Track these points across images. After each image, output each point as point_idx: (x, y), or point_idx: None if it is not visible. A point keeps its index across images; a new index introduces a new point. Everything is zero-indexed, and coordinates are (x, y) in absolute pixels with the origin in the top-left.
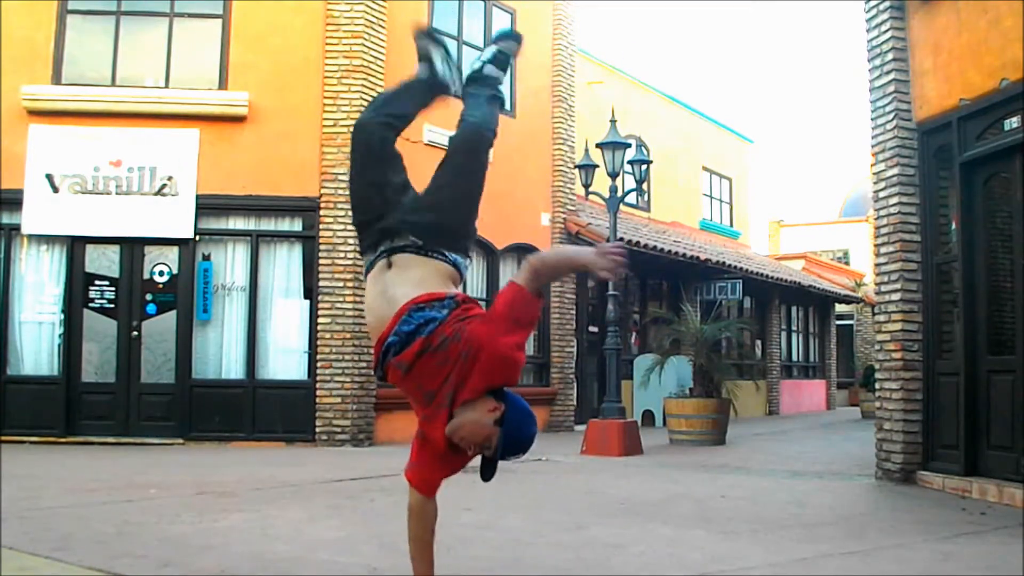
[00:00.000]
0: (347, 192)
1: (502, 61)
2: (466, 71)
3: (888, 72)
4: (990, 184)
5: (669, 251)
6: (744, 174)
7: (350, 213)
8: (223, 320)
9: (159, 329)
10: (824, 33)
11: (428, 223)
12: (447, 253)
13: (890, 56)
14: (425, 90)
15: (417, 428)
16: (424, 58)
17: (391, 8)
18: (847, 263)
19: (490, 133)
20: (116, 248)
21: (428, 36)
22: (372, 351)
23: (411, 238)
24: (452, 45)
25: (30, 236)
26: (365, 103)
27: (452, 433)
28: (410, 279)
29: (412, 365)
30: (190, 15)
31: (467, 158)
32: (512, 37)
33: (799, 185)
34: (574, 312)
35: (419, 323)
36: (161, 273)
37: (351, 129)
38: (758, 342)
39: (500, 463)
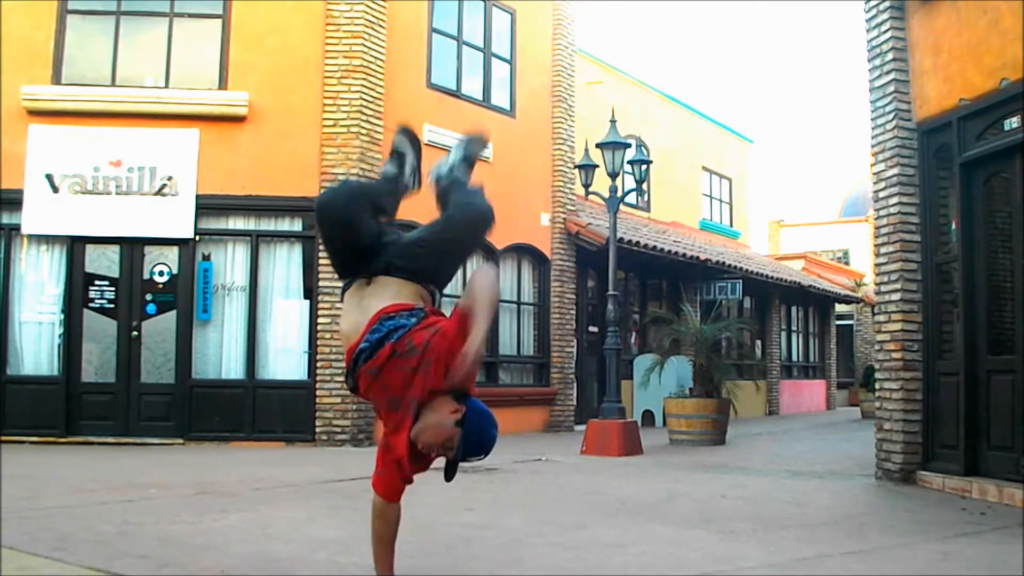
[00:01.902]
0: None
1: (469, 162)
2: (437, 171)
3: (888, 72)
4: (990, 184)
5: (669, 251)
6: (744, 174)
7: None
8: (223, 320)
9: (159, 329)
10: (824, 33)
11: (415, 269)
12: (427, 285)
13: (890, 56)
14: (388, 185)
15: (381, 438)
16: (397, 154)
17: (391, 8)
18: (847, 263)
19: (492, 221)
20: (116, 248)
21: (408, 137)
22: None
23: (396, 273)
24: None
25: (30, 236)
26: (365, 103)
27: (416, 437)
28: (387, 294)
29: (381, 369)
30: (190, 15)
31: (469, 237)
32: (478, 142)
33: (799, 185)
34: (574, 312)
35: (389, 329)
36: (161, 273)
37: (318, 208)
38: (758, 342)
39: (476, 463)
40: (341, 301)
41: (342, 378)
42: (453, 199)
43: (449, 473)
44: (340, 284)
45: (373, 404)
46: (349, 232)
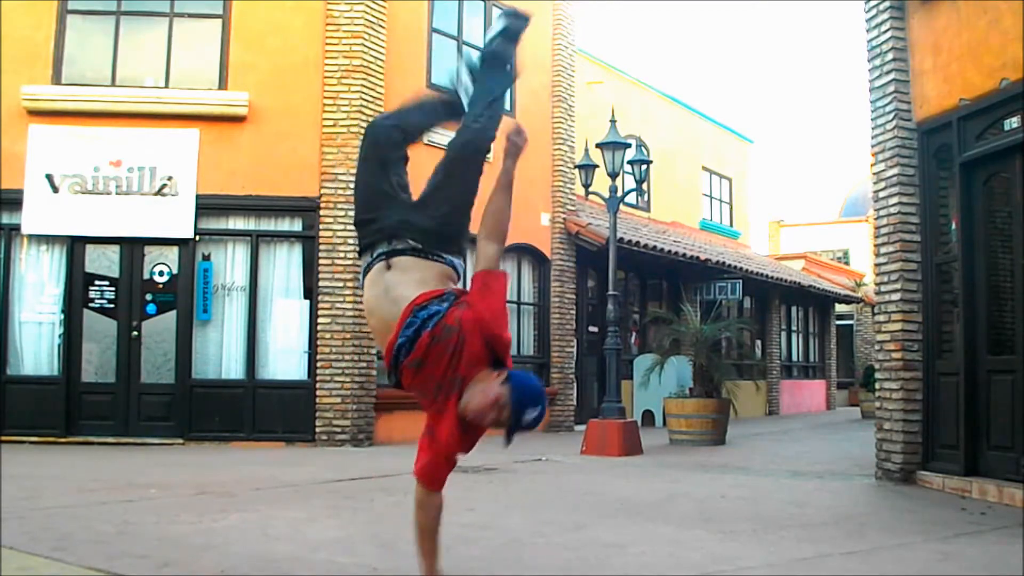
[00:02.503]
0: (347, 192)
1: (510, 37)
2: (467, 59)
3: (888, 72)
4: (990, 184)
5: (669, 251)
6: (744, 174)
7: (351, 213)
8: (223, 320)
9: (159, 329)
10: (824, 33)
11: (425, 227)
12: (444, 256)
13: (890, 56)
14: (442, 108)
15: (425, 426)
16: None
17: (391, 8)
18: (847, 263)
19: (488, 141)
20: (116, 248)
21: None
22: (374, 351)
23: (409, 241)
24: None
25: (30, 236)
26: (365, 103)
27: (465, 407)
28: (411, 280)
29: (424, 359)
30: (190, 15)
31: (465, 166)
32: (518, 15)
33: (799, 185)
34: (574, 312)
35: (423, 319)
36: (161, 273)
37: (364, 128)
38: (758, 342)
39: (532, 416)
40: (361, 287)
41: (342, 378)
42: (464, 118)
43: (508, 438)
44: (340, 284)
45: (418, 397)
46: (384, 157)
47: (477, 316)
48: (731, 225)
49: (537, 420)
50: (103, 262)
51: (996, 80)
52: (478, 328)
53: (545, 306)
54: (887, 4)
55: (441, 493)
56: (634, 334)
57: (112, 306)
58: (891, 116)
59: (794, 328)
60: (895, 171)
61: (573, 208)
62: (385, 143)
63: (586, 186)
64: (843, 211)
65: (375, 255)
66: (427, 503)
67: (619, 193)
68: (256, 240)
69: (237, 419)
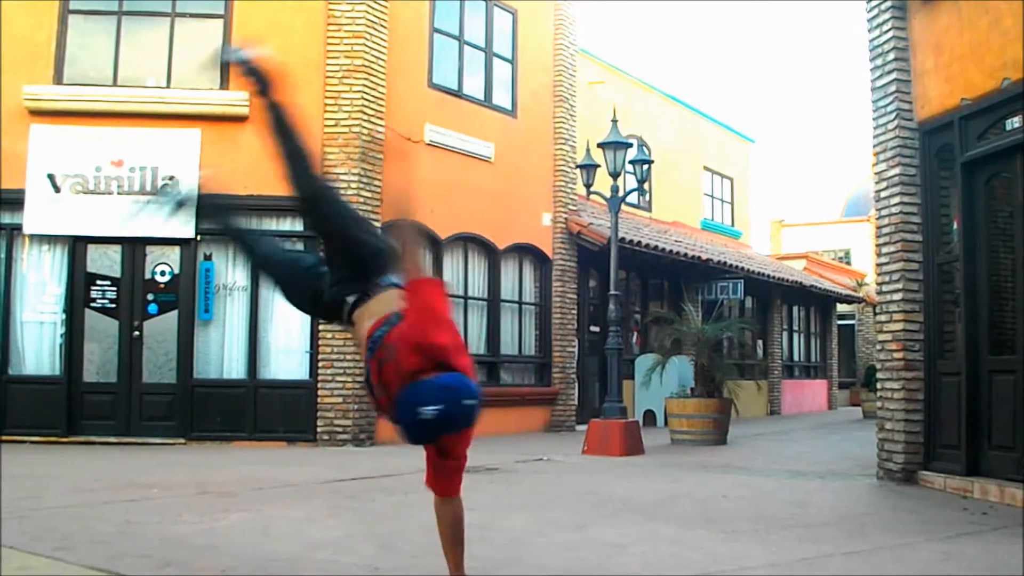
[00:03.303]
0: (348, 192)
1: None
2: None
3: (889, 72)
4: (991, 184)
5: (670, 251)
6: (745, 174)
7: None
8: (224, 320)
9: (160, 329)
10: (824, 33)
11: (345, 276)
12: (378, 284)
13: (891, 56)
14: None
15: None
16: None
17: (392, 8)
18: (848, 263)
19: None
20: (117, 248)
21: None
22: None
23: (348, 300)
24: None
25: (32, 236)
26: (367, 103)
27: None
28: (365, 318)
29: (384, 383)
30: (191, 15)
31: (325, 215)
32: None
33: (800, 185)
34: (575, 312)
35: (371, 346)
36: (163, 273)
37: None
38: (759, 342)
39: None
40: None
41: (343, 378)
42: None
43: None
44: None
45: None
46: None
47: (400, 333)
48: (732, 225)
49: (430, 418)
50: (104, 262)
51: (998, 80)
52: (407, 343)
53: (547, 306)
54: (888, 4)
55: (454, 502)
56: (635, 334)
57: (114, 306)
58: (893, 116)
59: (795, 328)
60: (897, 171)
61: (575, 208)
62: (278, 254)
63: (588, 186)
64: (844, 211)
65: (343, 325)
66: (440, 512)
67: (621, 193)
68: None
69: (238, 419)
